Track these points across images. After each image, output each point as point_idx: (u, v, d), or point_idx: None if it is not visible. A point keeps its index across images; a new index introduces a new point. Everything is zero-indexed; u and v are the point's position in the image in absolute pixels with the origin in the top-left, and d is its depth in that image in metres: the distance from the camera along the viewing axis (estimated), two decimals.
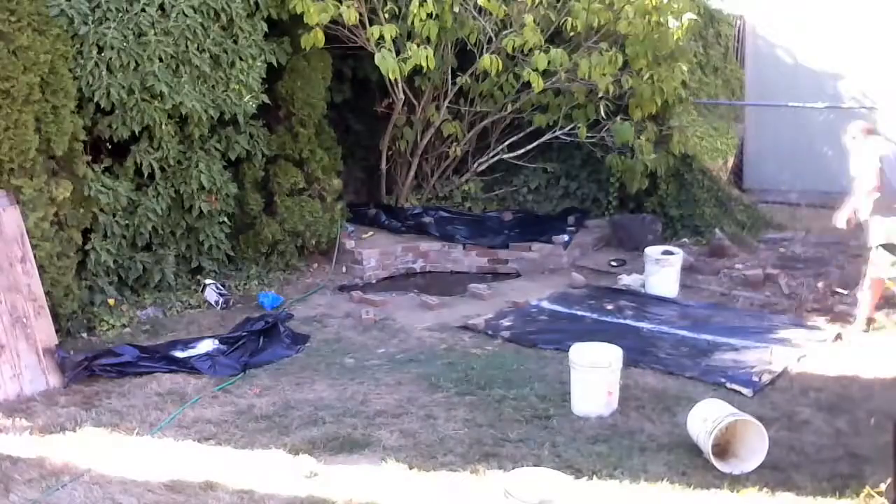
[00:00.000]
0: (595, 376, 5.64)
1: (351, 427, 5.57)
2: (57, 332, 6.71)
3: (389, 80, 8.91)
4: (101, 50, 7.26)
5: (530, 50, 8.95)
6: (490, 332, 7.35)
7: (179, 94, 7.65)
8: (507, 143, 10.30)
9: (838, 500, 4.62)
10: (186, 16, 7.65)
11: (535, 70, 8.90)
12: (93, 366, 6.42)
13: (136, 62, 7.42)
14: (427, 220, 9.81)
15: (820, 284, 8.01)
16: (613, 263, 9.05)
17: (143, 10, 7.46)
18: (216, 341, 6.99)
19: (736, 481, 4.81)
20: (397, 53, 8.58)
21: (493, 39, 9.23)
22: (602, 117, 9.57)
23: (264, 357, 6.89)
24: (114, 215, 7.62)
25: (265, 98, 8.50)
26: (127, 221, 7.78)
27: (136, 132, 7.66)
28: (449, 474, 4.95)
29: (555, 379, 6.25)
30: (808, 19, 11.13)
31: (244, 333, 7.11)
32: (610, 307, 7.86)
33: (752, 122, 11.86)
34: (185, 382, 6.39)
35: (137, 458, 5.23)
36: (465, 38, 9.27)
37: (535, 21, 8.84)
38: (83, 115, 7.27)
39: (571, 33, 9.14)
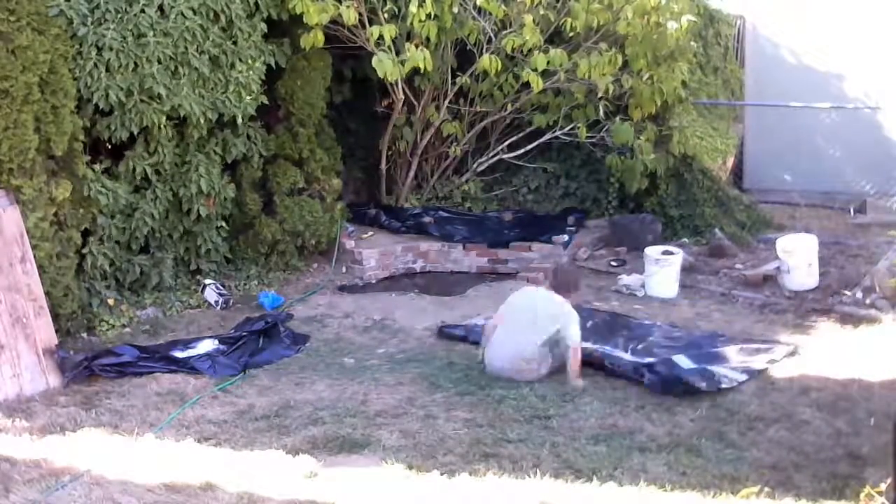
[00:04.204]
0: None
1: (351, 427, 5.57)
2: (57, 332, 6.71)
3: (388, 80, 8.91)
4: (100, 51, 7.26)
5: (530, 50, 8.96)
6: None
7: (178, 96, 7.64)
8: (506, 143, 10.30)
9: (838, 500, 4.61)
10: (185, 17, 7.63)
11: (535, 70, 8.90)
12: (92, 366, 6.42)
13: (135, 63, 7.41)
14: (427, 220, 9.81)
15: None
16: (613, 263, 9.05)
17: (142, 11, 7.45)
18: (216, 341, 6.99)
19: (736, 481, 4.80)
20: (397, 53, 8.58)
21: (493, 39, 9.23)
22: (602, 117, 9.57)
23: (264, 357, 6.89)
24: (112, 217, 7.61)
25: (264, 99, 8.50)
26: (124, 224, 7.76)
27: (135, 134, 7.66)
28: (449, 474, 4.94)
29: (554, 378, 6.24)
30: (808, 19, 11.13)
31: (244, 333, 7.11)
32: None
33: (752, 122, 11.87)
34: (185, 382, 6.39)
35: (137, 458, 5.23)
36: (464, 38, 9.28)
37: (534, 21, 8.84)
38: (82, 116, 7.27)
39: (571, 34, 9.15)
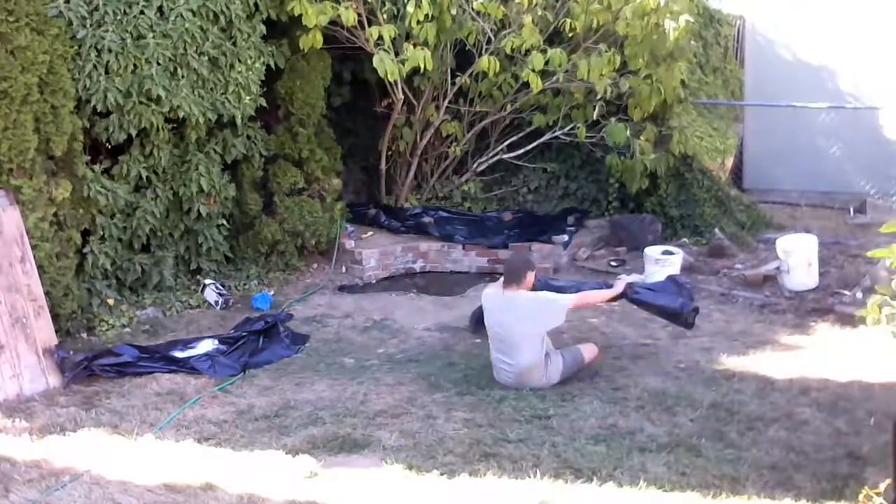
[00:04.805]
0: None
1: (351, 427, 5.57)
2: (57, 332, 6.71)
3: (388, 80, 8.92)
4: (99, 53, 7.25)
5: (529, 50, 8.96)
6: None
7: (177, 98, 7.63)
8: (506, 143, 10.31)
9: (838, 500, 4.61)
10: (185, 19, 7.63)
11: (534, 70, 8.90)
12: (92, 366, 6.42)
13: (135, 65, 7.41)
14: (427, 220, 9.81)
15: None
16: (613, 263, 9.05)
17: (141, 12, 7.45)
18: (216, 341, 6.99)
19: (735, 481, 4.80)
20: (396, 54, 8.59)
21: (492, 40, 9.23)
22: (601, 118, 9.57)
23: (264, 357, 6.89)
24: (112, 217, 7.61)
25: (263, 101, 8.49)
26: (125, 224, 7.77)
27: (133, 135, 7.65)
28: (449, 474, 4.94)
29: None
30: (808, 19, 11.13)
31: (244, 333, 7.11)
32: None
33: (752, 122, 11.86)
34: (184, 382, 6.40)
35: (137, 458, 5.23)
36: (463, 38, 9.28)
37: (533, 22, 8.85)
38: (81, 116, 7.26)
39: (570, 34, 9.15)
